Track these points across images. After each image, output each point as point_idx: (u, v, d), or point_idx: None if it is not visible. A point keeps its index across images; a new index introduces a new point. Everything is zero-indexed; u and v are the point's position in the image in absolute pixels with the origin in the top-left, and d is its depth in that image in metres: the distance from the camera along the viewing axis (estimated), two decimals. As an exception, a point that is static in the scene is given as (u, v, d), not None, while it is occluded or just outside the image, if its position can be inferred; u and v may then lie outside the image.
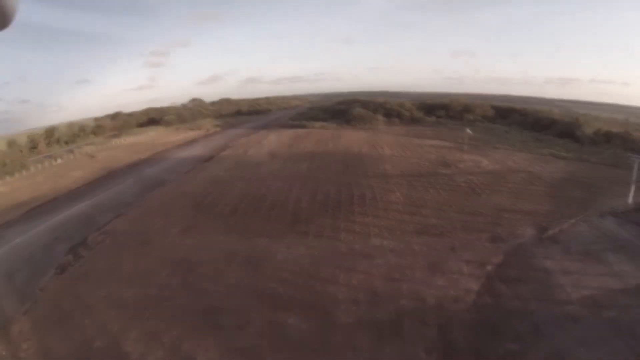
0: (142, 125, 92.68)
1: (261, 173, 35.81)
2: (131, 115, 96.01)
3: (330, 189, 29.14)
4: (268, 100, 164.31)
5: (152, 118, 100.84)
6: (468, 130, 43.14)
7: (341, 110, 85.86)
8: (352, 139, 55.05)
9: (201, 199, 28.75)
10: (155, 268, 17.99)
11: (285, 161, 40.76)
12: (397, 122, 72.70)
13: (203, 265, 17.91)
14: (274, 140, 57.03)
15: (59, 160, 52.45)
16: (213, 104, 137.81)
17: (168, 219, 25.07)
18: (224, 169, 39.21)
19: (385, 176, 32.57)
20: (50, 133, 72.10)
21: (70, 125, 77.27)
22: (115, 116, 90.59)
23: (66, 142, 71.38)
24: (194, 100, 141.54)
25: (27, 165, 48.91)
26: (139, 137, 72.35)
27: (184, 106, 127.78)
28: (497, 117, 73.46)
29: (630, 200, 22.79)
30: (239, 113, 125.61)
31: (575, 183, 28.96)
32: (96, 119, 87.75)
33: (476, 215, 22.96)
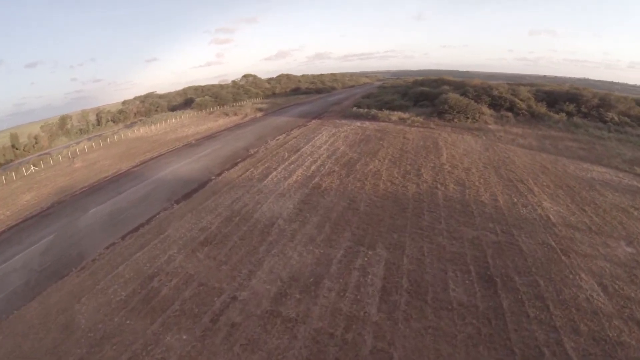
0: (175, 107, 77.56)
1: (257, 289, 14.06)
2: (163, 96, 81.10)
3: None
4: (334, 76, 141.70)
5: (190, 99, 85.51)
6: None
7: (426, 94, 59.26)
8: (460, 154, 30.08)
9: None
10: None
11: (331, 229, 17.85)
12: (510, 118, 45.99)
13: None
14: (323, 145, 34.60)
15: (32, 168, 37.46)
16: (269, 80, 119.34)
17: None
18: (190, 242, 18.36)
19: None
20: (63, 122, 59.75)
21: (84, 113, 64.28)
22: (145, 98, 76.16)
23: (80, 132, 58.63)
24: (246, 76, 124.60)
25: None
26: (154, 126, 55.85)
27: (234, 83, 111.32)
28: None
29: None
30: (295, 91, 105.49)
31: None
32: (124, 103, 74.28)
33: None
